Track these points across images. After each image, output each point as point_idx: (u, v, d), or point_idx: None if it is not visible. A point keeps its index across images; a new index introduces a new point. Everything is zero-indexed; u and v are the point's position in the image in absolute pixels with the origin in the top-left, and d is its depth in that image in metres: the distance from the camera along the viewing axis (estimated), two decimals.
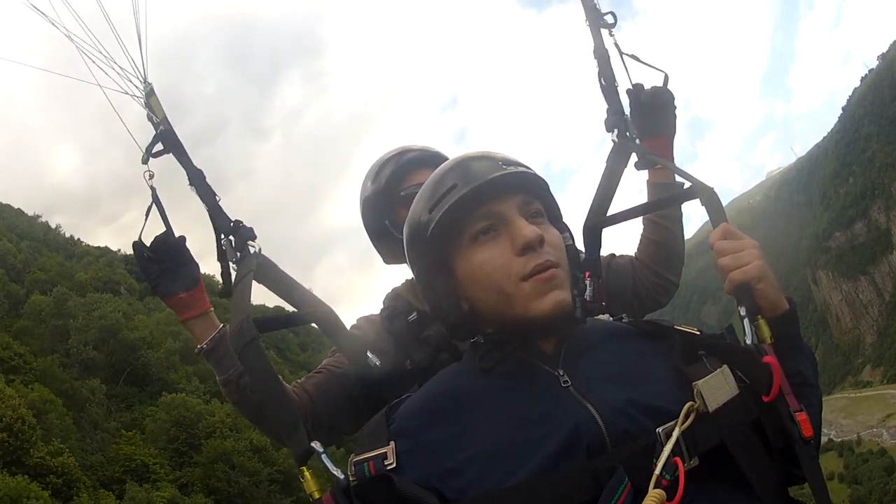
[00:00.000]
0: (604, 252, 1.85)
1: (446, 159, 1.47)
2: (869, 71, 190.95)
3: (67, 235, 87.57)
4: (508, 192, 1.24)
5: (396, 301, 1.92)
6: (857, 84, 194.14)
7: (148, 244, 1.72)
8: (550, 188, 1.33)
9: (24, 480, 25.57)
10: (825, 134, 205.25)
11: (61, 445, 30.48)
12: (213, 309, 1.80)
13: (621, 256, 2.02)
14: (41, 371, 38.25)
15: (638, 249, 1.99)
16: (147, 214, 1.71)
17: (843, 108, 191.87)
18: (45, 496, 25.70)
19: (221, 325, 1.76)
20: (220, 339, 1.73)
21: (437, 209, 1.24)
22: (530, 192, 1.27)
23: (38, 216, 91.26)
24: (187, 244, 1.77)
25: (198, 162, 1.75)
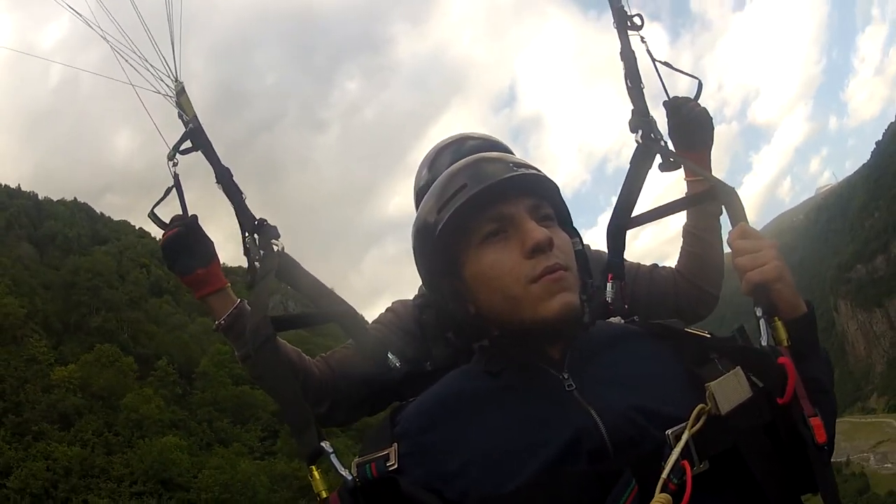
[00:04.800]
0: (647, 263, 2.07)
1: (507, 149, 1.66)
2: None
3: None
4: (519, 193, 1.28)
5: None
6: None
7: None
8: (561, 192, 1.36)
9: None
10: (869, 156, 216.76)
11: None
12: (229, 285, 1.88)
13: (664, 268, 2.10)
14: None
15: (678, 262, 2.07)
16: (166, 193, 1.84)
17: (877, 143, 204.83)
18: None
19: (238, 301, 1.85)
20: (238, 316, 1.81)
21: (446, 209, 1.28)
22: (541, 194, 1.32)
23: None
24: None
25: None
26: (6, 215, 78.75)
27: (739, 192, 1.48)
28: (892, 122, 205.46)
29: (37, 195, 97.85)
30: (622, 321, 1.52)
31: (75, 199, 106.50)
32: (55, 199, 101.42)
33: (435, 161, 2.08)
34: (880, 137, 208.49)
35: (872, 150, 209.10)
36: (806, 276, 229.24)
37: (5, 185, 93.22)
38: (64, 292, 61.52)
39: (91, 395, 46.30)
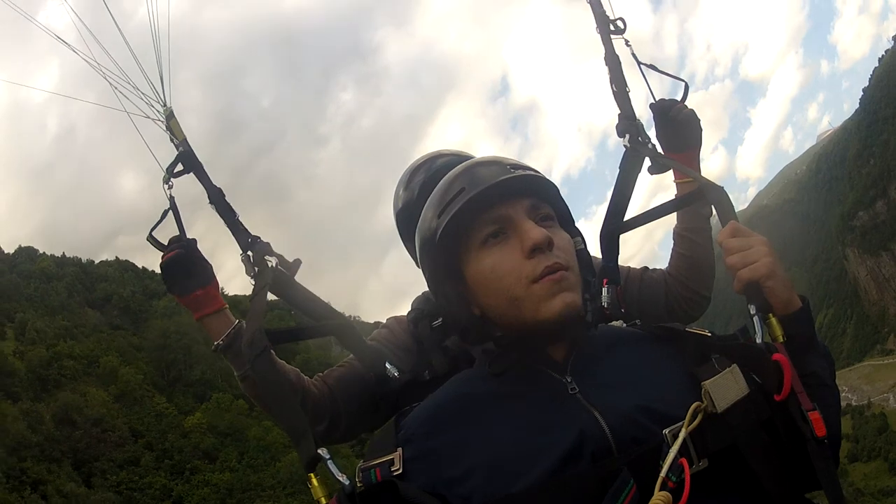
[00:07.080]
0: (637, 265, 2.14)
1: None
2: (885, 52, 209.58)
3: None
4: (517, 195, 1.32)
5: (425, 305, 1.97)
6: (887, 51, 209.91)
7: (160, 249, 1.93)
8: (560, 192, 1.39)
9: None
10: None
11: None
12: (227, 306, 1.94)
13: (654, 270, 2.15)
14: None
15: (669, 264, 2.11)
16: (163, 216, 1.93)
17: (864, 90, 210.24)
18: None
19: (236, 322, 1.91)
20: (236, 336, 1.86)
21: (446, 214, 1.32)
22: (539, 195, 1.35)
23: None
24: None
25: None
26: (64, 284, 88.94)
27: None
28: (876, 67, 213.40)
29: (80, 259, 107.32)
30: (624, 325, 1.58)
31: (117, 258, 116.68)
32: (96, 262, 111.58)
33: (410, 181, 2.19)
34: (866, 86, 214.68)
35: (860, 97, 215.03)
36: (814, 227, 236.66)
37: (51, 254, 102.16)
38: (156, 353, 75.98)
39: (218, 433, 61.25)
